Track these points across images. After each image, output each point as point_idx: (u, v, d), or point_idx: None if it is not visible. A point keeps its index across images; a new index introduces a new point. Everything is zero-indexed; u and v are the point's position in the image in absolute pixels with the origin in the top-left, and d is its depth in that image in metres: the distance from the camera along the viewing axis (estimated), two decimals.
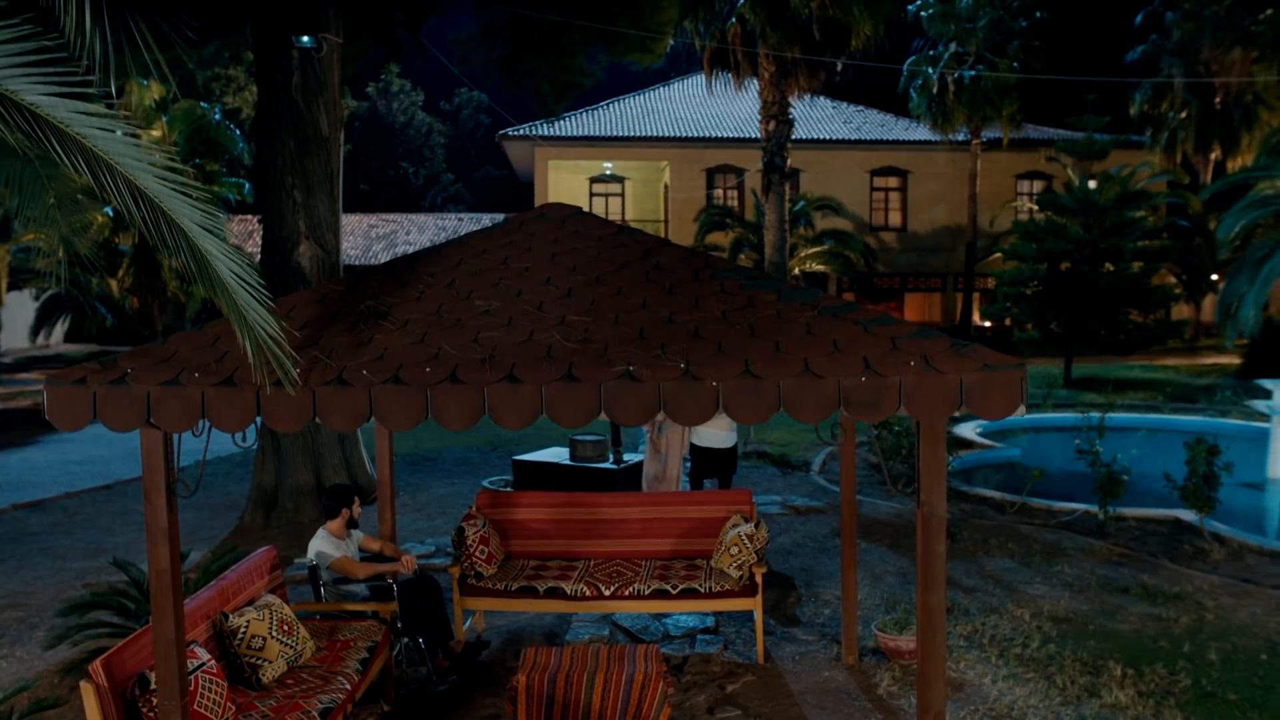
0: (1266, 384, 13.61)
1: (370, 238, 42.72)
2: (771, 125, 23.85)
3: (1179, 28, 35.52)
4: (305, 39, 10.48)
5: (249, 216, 40.01)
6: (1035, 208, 27.63)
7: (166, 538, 4.04)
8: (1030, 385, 23.13)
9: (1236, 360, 26.93)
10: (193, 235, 3.48)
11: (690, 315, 4.01)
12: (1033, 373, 26.24)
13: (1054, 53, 36.87)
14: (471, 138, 61.74)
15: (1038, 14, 34.82)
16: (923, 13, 35.67)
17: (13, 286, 24.61)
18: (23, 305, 30.84)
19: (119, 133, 3.56)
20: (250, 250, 37.67)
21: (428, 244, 42.32)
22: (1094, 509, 10.51)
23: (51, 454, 16.06)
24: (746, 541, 6.75)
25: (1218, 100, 35.14)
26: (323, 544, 6.28)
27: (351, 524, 6.44)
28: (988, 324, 36.07)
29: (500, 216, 45.11)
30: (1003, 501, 11.38)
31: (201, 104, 23.06)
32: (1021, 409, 3.58)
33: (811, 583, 8.49)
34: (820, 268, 33.41)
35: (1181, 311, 35.24)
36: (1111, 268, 23.02)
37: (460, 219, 45.94)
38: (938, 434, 3.74)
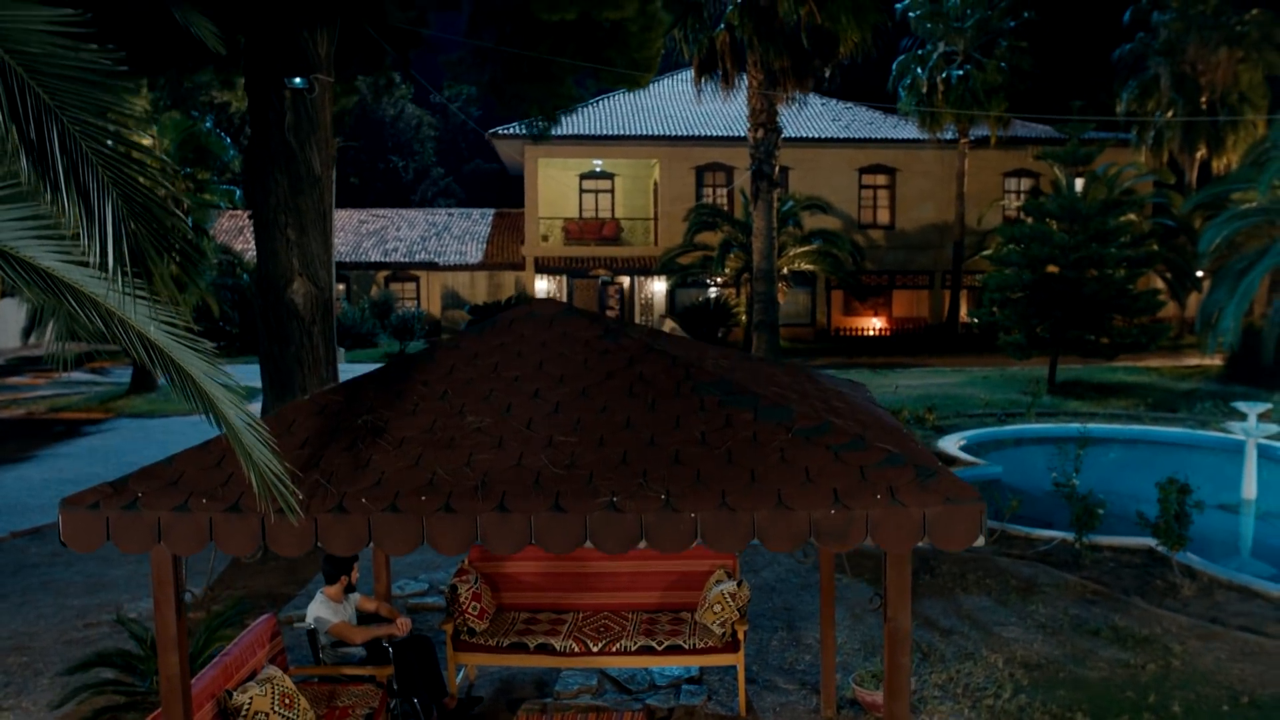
0: (1242, 407, 13.92)
1: (360, 234, 42.81)
2: (760, 133, 24.04)
3: (1166, 27, 35.73)
4: (297, 80, 10.65)
5: (239, 211, 40.08)
6: (1021, 208, 27.92)
7: (176, 646, 4.27)
8: (1014, 391, 23.47)
9: (1219, 361, 27.25)
10: (200, 381, 3.70)
11: (671, 437, 4.25)
12: (1018, 375, 26.57)
13: (1042, 50, 37.10)
14: (462, 131, 61.70)
15: (1025, 14, 35.01)
16: (911, 13, 35.85)
17: (5, 293, 24.64)
18: (15, 307, 30.96)
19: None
20: (241, 247, 37.79)
21: (418, 240, 42.45)
22: (1071, 537, 10.79)
23: (47, 471, 16.22)
24: (729, 600, 7.01)
25: (1203, 100, 35.39)
26: (321, 609, 6.51)
27: (349, 589, 6.67)
28: (975, 320, 36.38)
29: (490, 212, 45.23)
30: None
31: (193, 112, 23.12)
32: (980, 539, 3.82)
33: (794, 623, 8.75)
34: (809, 267, 33.69)
35: (1168, 309, 35.57)
36: (1096, 273, 23.30)
37: (450, 214, 46.03)
38: (903, 560, 3.99)
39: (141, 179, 2.78)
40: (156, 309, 3.53)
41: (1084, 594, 9.43)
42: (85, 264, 3.46)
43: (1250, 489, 13.64)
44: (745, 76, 24.79)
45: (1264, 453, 14.79)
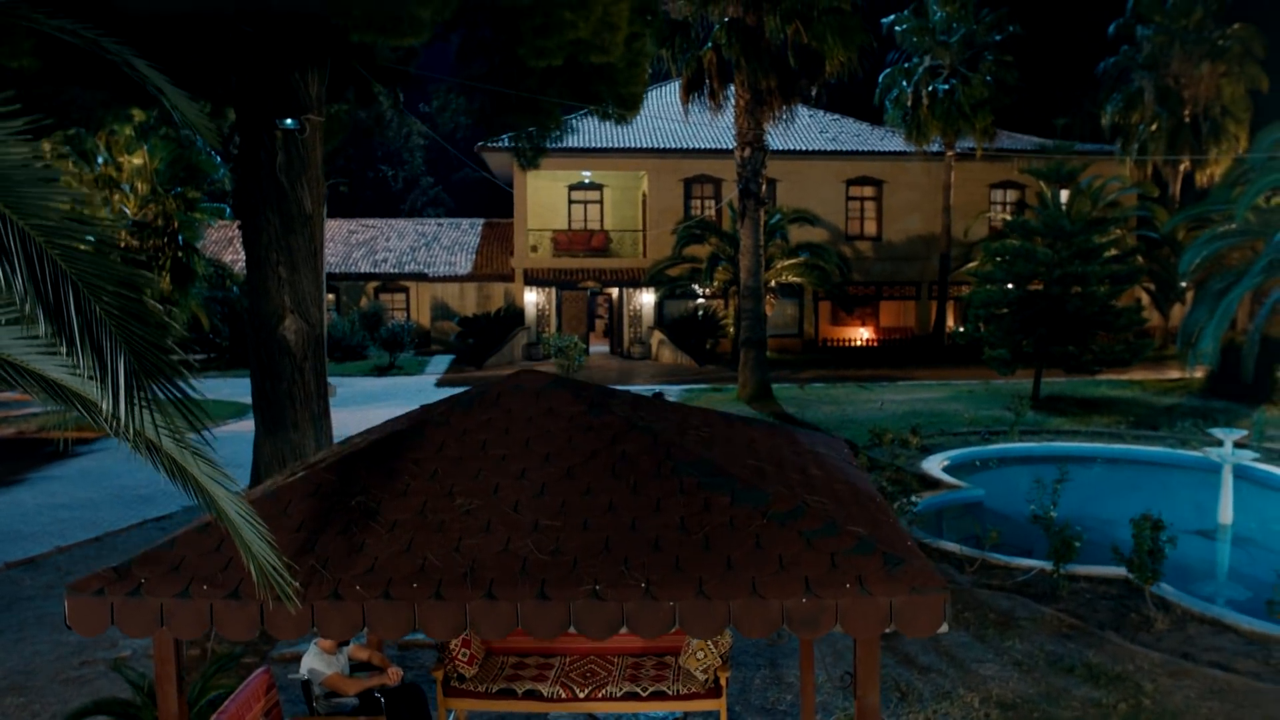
0: (1219, 433, 14.19)
1: (350, 244, 42.92)
2: (746, 152, 24.27)
3: (1149, 41, 36.09)
4: (289, 121, 10.81)
5: (228, 222, 40.19)
6: (1006, 225, 28.22)
7: None
8: (999, 406, 23.72)
9: (1201, 374, 27.53)
10: (202, 481, 3.88)
11: (651, 521, 4.44)
12: (1003, 389, 26.83)
13: (1027, 63, 37.43)
14: (451, 140, 61.80)
15: (1010, 28, 35.32)
16: (897, 27, 36.13)
17: None
18: None
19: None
20: (230, 258, 37.90)
21: (407, 251, 42.57)
22: (1049, 567, 11.01)
23: (40, 495, 16.33)
24: (712, 647, 7.21)
25: (1186, 113, 35.76)
26: (315, 661, 6.70)
27: (343, 641, 6.85)
28: (960, 334, 36.74)
29: (480, 222, 45.36)
30: (963, 558, 11.85)
31: (183, 130, 23.22)
32: (945, 626, 4.02)
33: (776, 660, 8.96)
34: (796, 279, 33.95)
35: (1151, 319, 35.92)
36: (1079, 290, 23.58)
37: (440, 224, 46.17)
38: (872, 644, 4.20)
39: (150, 338, 2.97)
40: (162, 420, 3.69)
41: (1060, 628, 9.66)
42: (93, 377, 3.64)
43: (1227, 514, 13.90)
44: (733, 93, 25.00)
45: (1243, 473, 15.09)
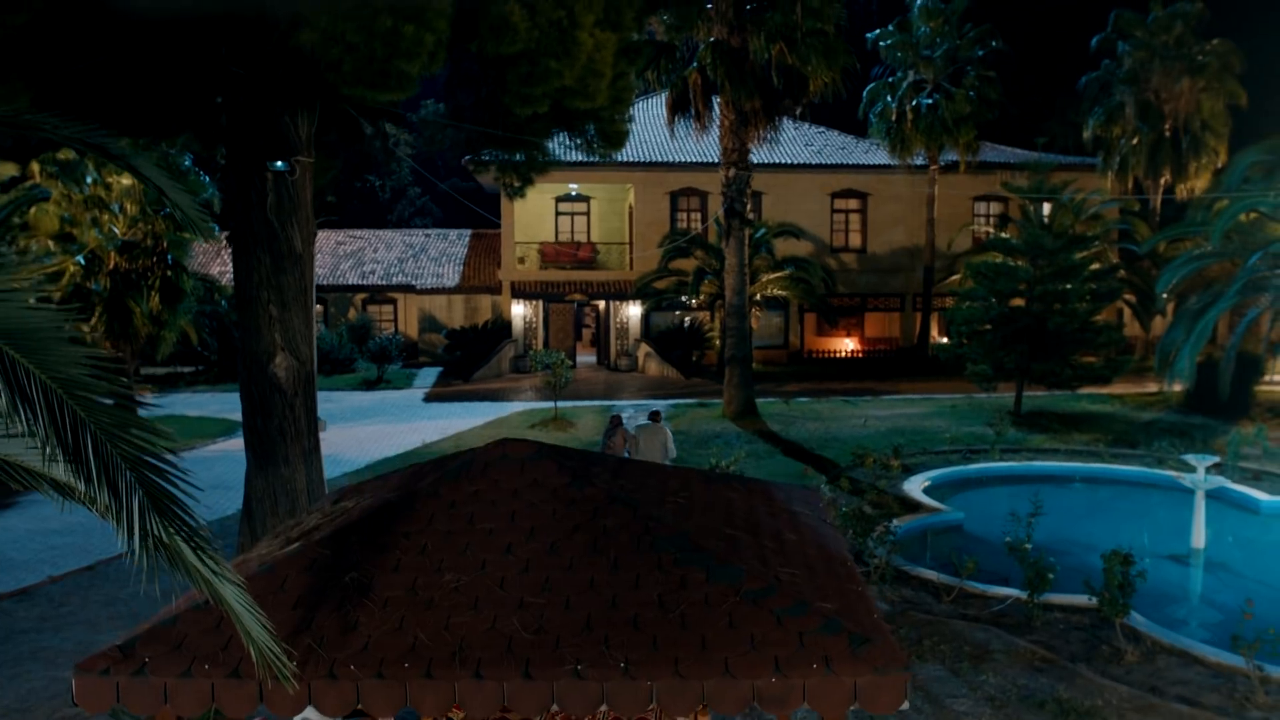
0: (1192, 459, 14.51)
1: (338, 255, 43.05)
2: (731, 172, 24.54)
3: (1130, 56, 36.52)
4: (279, 163, 11.02)
5: (215, 239, 40.24)
6: (987, 243, 28.58)
7: None
8: (980, 422, 24.05)
9: (1179, 388, 27.85)
10: (202, 571, 4.10)
11: (630, 598, 4.69)
12: (985, 404, 27.16)
13: (1010, 76, 37.81)
14: (439, 149, 61.89)
15: (993, 43, 35.71)
16: (881, 42, 36.48)
17: None
18: None
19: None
20: (218, 270, 38.04)
21: (395, 262, 42.73)
22: (1024, 595, 11.28)
23: (30, 520, 16.46)
24: None
25: (1167, 127, 36.18)
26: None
27: None
28: (945, 340, 37.08)
29: (467, 233, 45.53)
30: (940, 586, 12.11)
31: (170, 150, 23.37)
32: (905, 704, 4.28)
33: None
34: (781, 293, 34.25)
35: (1133, 330, 36.32)
36: (1060, 307, 23.91)
37: (427, 234, 46.35)
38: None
39: (162, 480, 3.21)
40: (165, 522, 3.91)
41: (1033, 661, 9.93)
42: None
43: (1199, 538, 14.22)
44: (717, 111, 25.27)
45: (1217, 494, 15.43)
